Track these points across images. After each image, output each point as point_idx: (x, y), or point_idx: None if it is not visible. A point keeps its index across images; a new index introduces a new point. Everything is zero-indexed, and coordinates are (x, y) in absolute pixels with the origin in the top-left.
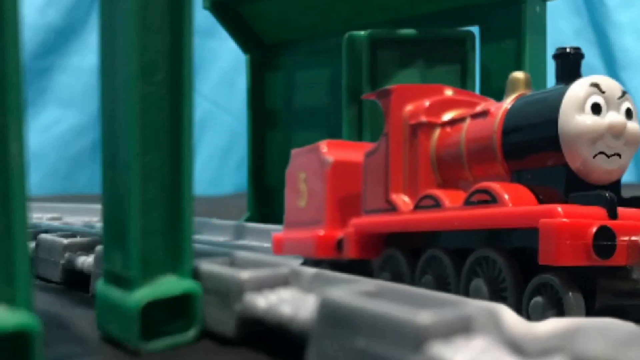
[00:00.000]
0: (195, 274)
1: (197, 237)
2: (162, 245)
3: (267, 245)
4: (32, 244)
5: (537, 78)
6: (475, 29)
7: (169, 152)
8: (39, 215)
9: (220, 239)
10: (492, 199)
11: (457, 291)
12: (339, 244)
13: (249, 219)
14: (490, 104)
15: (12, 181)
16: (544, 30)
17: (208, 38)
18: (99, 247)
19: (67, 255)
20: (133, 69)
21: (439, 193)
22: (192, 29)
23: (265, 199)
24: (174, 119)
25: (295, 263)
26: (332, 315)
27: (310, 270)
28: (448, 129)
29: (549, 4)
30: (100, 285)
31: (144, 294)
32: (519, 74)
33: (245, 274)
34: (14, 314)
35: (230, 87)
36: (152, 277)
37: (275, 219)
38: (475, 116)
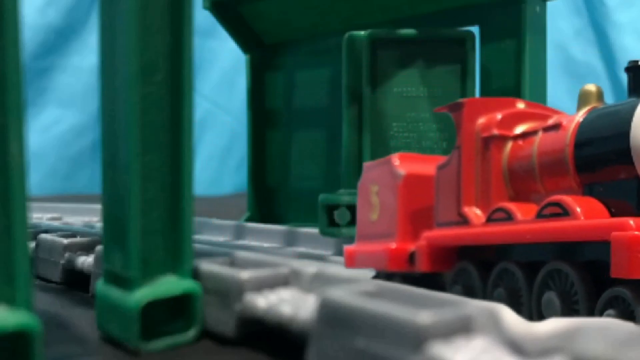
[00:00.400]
0: (195, 274)
1: (197, 237)
2: (162, 245)
3: (267, 245)
4: (32, 244)
5: (537, 78)
6: (475, 29)
7: (169, 152)
8: (39, 215)
9: (220, 239)
10: (564, 212)
11: (529, 304)
12: (411, 257)
13: (249, 219)
14: (562, 117)
15: (12, 181)
16: (544, 30)
17: (208, 38)
18: (99, 247)
19: (67, 255)
20: (133, 69)
21: (511, 206)
22: (192, 29)
23: (265, 199)
24: (174, 119)
25: (295, 263)
26: (332, 315)
27: (310, 270)
28: (520, 142)
29: (549, 4)
30: (100, 285)
31: (144, 294)
32: (590, 87)
33: (245, 274)
34: (14, 314)
35: (230, 87)
36: (152, 277)
37: (275, 219)
38: (547, 129)
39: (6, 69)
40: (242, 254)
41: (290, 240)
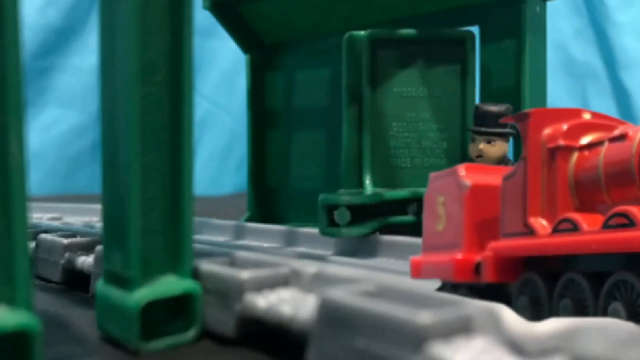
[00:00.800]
0: (195, 274)
1: (197, 237)
2: (162, 245)
3: (267, 245)
4: (32, 244)
5: (537, 78)
6: (475, 29)
7: (169, 152)
8: (39, 215)
9: (220, 239)
10: (630, 222)
11: (595, 315)
12: (477, 268)
13: (249, 219)
14: (628, 128)
15: (12, 181)
16: (544, 30)
17: (208, 38)
18: (99, 247)
19: (67, 255)
20: (133, 69)
21: (577, 217)
22: (192, 29)
23: (265, 199)
24: (174, 119)
25: (295, 263)
26: (332, 315)
27: (310, 270)
28: (586, 153)
29: (549, 4)
30: (100, 285)
31: (144, 294)
32: None
33: (245, 274)
34: (14, 314)
35: (230, 87)
36: (152, 277)
37: (275, 219)
38: (613, 140)
39: (6, 69)
40: (242, 254)
41: (290, 240)
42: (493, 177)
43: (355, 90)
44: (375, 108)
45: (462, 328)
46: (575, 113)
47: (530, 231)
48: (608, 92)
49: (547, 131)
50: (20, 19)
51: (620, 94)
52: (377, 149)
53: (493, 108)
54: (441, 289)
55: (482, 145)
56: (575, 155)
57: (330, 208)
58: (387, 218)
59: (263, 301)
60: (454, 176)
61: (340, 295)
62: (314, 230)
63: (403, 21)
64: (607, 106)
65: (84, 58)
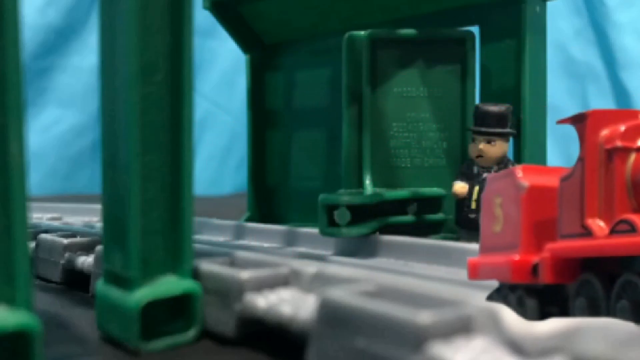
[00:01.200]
0: (195, 274)
1: (197, 237)
2: (162, 245)
3: (267, 245)
4: (32, 244)
5: (537, 78)
6: (475, 29)
7: (169, 152)
8: (39, 215)
9: (220, 239)
10: None
11: None
12: (535, 269)
13: (249, 219)
14: None
15: (12, 181)
16: (544, 30)
17: (208, 38)
18: (99, 247)
19: (67, 255)
20: (133, 69)
21: (634, 218)
22: (192, 29)
23: (265, 199)
24: (174, 119)
25: (295, 263)
26: (332, 315)
27: (310, 270)
28: None
29: (549, 4)
30: (100, 285)
31: (144, 294)
32: None
33: (245, 274)
34: (14, 314)
35: (230, 87)
36: (152, 277)
37: (275, 219)
38: None
39: (6, 69)
40: (242, 254)
41: (290, 240)
42: (550, 178)
43: (355, 90)
44: (375, 108)
45: (462, 328)
46: (633, 114)
47: (587, 232)
48: (608, 92)
49: (604, 132)
50: (20, 19)
51: (620, 94)
52: (377, 149)
53: (493, 108)
54: (498, 290)
55: (482, 145)
56: (632, 157)
57: (330, 208)
58: (387, 218)
59: (263, 301)
60: (511, 177)
61: (340, 295)
62: (314, 230)
63: (403, 21)
64: (607, 106)
65: (84, 58)
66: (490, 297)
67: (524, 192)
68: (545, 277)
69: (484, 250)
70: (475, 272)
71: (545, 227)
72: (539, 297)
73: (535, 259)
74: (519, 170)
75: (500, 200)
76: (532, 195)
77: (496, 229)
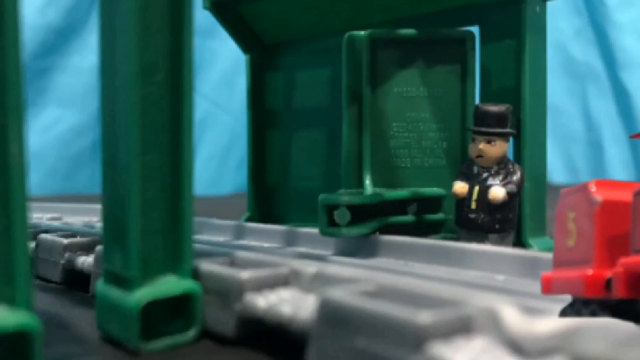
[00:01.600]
0: (195, 274)
1: (197, 237)
2: (162, 245)
3: (267, 245)
4: (32, 244)
5: (537, 78)
6: (475, 29)
7: (169, 152)
8: (39, 215)
9: (220, 239)
10: None
11: None
12: (608, 283)
13: (249, 219)
14: None
15: (12, 181)
16: (544, 30)
17: (208, 38)
18: (99, 247)
19: (67, 255)
20: (133, 69)
21: None
22: (192, 29)
23: (265, 199)
24: (174, 119)
25: (295, 263)
26: (332, 315)
27: (310, 270)
28: None
29: (549, 4)
30: (100, 285)
31: (144, 294)
32: None
33: (245, 274)
34: (14, 314)
35: (230, 87)
36: (152, 277)
37: (275, 219)
38: None
39: (6, 69)
40: (242, 254)
41: (290, 240)
42: (624, 193)
43: (355, 90)
44: (375, 108)
45: (462, 328)
46: None
47: None
48: (608, 92)
49: None
50: (20, 19)
51: (620, 94)
52: (377, 149)
53: (493, 108)
54: (572, 304)
55: (482, 145)
56: None
57: (330, 208)
58: (387, 218)
59: (263, 301)
60: (585, 192)
61: (340, 295)
62: (314, 230)
63: (403, 21)
64: (607, 106)
65: (84, 58)
66: (563, 312)
67: (598, 206)
68: (619, 292)
69: (557, 264)
70: (549, 287)
71: (618, 242)
72: (613, 311)
73: (608, 273)
74: (592, 185)
75: (573, 215)
76: (606, 210)
77: (569, 243)
